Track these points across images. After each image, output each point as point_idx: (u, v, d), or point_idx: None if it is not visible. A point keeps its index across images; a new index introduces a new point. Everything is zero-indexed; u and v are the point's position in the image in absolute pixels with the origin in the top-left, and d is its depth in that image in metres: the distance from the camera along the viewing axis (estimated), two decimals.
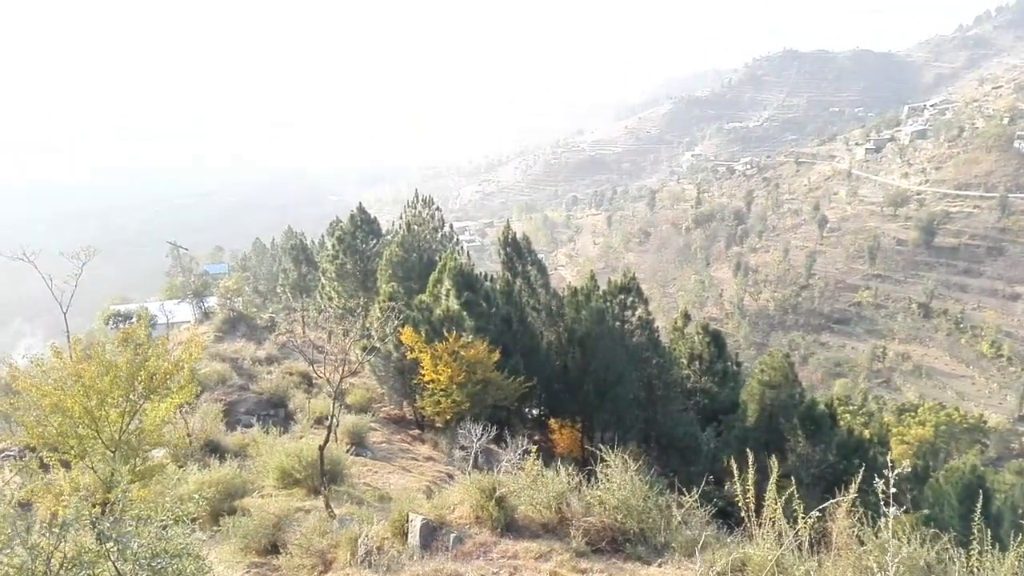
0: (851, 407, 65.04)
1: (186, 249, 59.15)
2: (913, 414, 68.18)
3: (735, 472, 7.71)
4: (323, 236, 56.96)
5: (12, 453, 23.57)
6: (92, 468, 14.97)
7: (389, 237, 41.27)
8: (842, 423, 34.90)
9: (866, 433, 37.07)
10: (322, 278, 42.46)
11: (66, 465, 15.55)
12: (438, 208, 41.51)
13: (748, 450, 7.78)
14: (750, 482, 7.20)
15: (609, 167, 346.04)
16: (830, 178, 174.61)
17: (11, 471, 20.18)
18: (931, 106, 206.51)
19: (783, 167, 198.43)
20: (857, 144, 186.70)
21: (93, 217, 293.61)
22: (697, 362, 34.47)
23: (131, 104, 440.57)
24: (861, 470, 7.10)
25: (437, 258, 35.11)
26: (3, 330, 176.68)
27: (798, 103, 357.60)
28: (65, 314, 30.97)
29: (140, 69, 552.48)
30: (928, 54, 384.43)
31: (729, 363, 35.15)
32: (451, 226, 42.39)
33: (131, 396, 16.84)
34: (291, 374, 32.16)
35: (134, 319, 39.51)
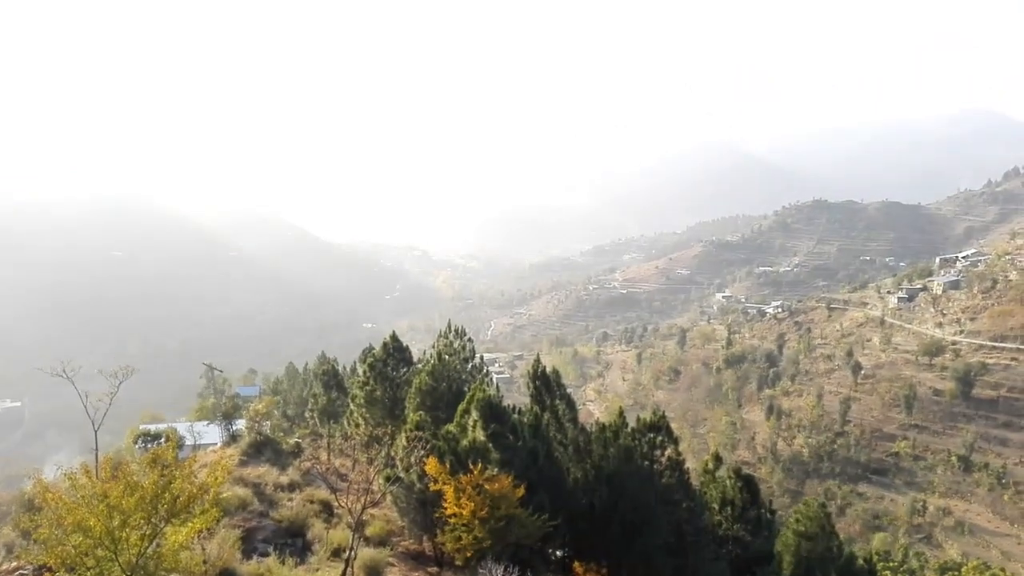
0: (891, 563, 61.64)
1: (220, 371, 60.06)
2: (956, 573, 64.20)
3: None
4: (355, 362, 57.59)
5: (26, 572, 23.17)
6: None
7: (420, 366, 41.63)
8: None
9: None
10: (351, 404, 42.57)
11: None
12: (470, 339, 41.97)
13: None
14: None
15: (640, 305, 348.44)
16: (863, 325, 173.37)
17: None
18: (963, 257, 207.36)
19: (815, 312, 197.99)
20: (889, 292, 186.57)
21: (135, 333, 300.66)
22: (729, 508, 33.26)
23: (170, 221, 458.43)
24: None
25: (466, 389, 35.22)
26: (36, 442, 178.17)
27: (828, 250, 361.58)
28: (96, 432, 31.37)
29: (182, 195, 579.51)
30: (958, 207, 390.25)
31: (763, 510, 33.86)
32: (481, 357, 42.67)
33: (153, 519, 16.81)
34: (312, 502, 31.69)
35: (163, 440, 39.68)
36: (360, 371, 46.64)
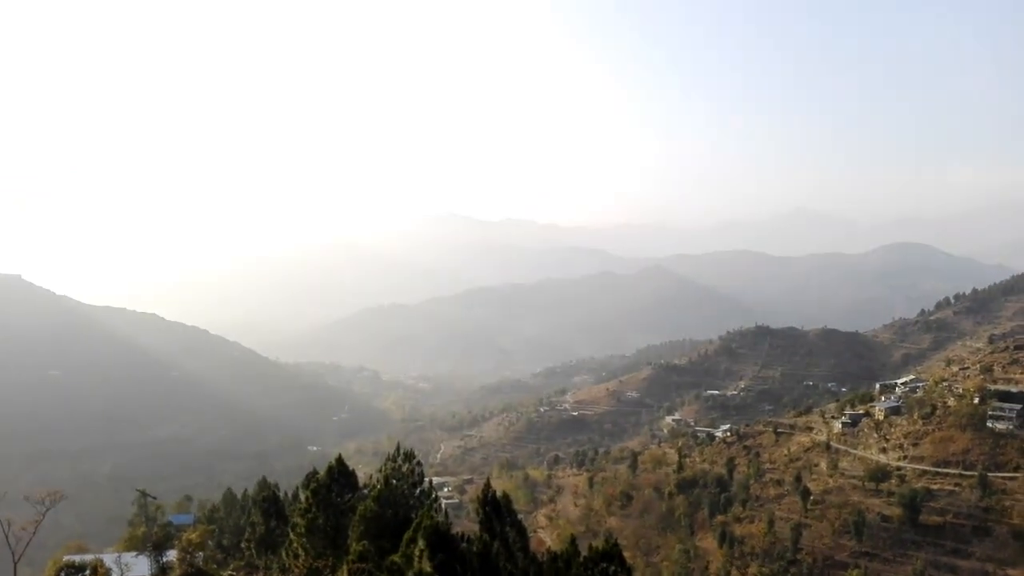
0: None
1: (154, 498, 57.27)
2: None
3: None
4: (298, 488, 55.74)
5: None
6: None
7: (366, 491, 40.63)
8: None
9: None
10: (291, 533, 40.92)
11: None
12: (418, 462, 41.43)
13: None
14: None
15: (591, 427, 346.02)
16: (810, 449, 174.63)
17: None
18: (902, 384, 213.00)
19: (762, 436, 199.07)
20: (833, 417, 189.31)
21: (66, 456, 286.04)
22: None
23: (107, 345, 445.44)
24: None
25: (413, 515, 34.38)
26: None
27: (773, 375, 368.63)
28: (16, 563, 29.43)
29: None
30: (894, 335, 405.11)
31: None
32: (430, 481, 41.97)
33: None
34: None
35: (88, 572, 37.25)
36: (302, 497, 45.15)
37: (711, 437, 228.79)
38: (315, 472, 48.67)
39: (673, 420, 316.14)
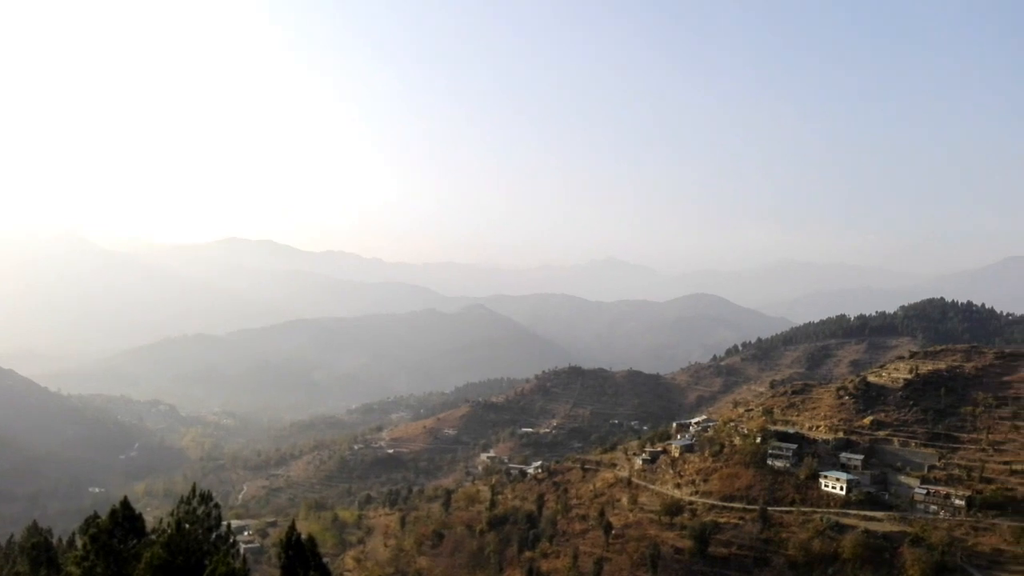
0: None
1: None
2: None
3: None
4: (74, 534, 50.39)
5: None
6: None
7: (154, 536, 37.55)
8: None
9: None
10: None
11: None
12: (216, 504, 39.05)
13: None
14: None
15: (407, 465, 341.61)
16: (613, 485, 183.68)
17: None
18: (696, 423, 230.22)
19: (571, 472, 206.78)
20: (635, 454, 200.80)
21: None
22: None
23: None
24: None
25: (207, 562, 32.25)
26: None
27: (583, 413, 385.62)
28: None
29: None
30: (690, 378, 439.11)
31: None
32: (228, 525, 39.60)
33: None
34: None
35: None
36: (79, 544, 41.01)
37: (523, 474, 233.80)
38: (96, 516, 44.33)
39: (488, 457, 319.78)
